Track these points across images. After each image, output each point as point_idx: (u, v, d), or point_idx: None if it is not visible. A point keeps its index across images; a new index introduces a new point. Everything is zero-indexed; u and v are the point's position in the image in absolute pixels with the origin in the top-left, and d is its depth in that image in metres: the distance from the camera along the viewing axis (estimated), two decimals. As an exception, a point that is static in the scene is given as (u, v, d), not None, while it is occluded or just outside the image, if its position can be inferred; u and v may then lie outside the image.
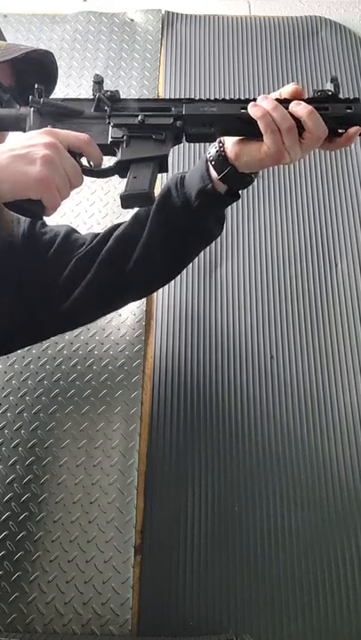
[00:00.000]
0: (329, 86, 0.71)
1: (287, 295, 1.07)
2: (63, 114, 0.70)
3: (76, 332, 1.03)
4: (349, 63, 1.35)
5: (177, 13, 1.42)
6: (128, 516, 0.89)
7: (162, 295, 1.07)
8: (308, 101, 0.68)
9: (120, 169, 0.70)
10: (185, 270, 1.08)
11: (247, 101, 0.70)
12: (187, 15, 1.42)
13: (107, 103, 0.70)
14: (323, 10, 1.48)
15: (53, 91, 0.79)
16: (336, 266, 1.10)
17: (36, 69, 0.75)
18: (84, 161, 0.68)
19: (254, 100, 0.70)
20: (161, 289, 1.07)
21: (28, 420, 0.95)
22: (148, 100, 0.72)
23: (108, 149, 0.70)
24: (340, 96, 0.70)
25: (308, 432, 0.95)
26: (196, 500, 0.90)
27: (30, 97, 0.69)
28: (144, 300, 1.06)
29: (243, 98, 0.71)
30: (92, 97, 0.72)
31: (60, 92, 1.29)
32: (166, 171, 0.72)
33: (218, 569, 0.85)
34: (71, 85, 1.31)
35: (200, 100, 0.72)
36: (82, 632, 0.81)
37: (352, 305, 1.06)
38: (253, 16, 1.44)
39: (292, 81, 1.32)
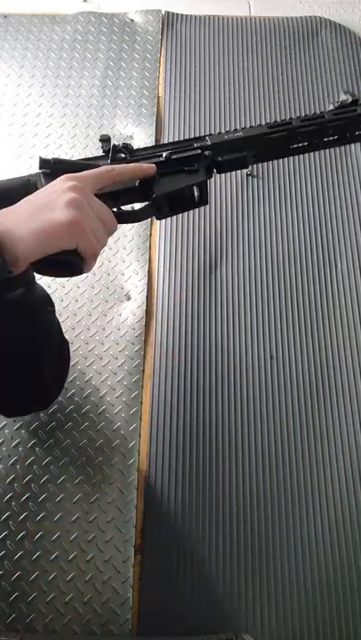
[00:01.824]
0: (344, 96, 0.73)
1: (287, 295, 1.07)
2: (77, 171, 0.61)
3: (77, 331, 1.03)
4: (349, 63, 1.35)
5: (177, 14, 1.42)
6: (128, 516, 0.89)
7: (162, 295, 1.07)
8: (329, 112, 0.71)
9: (157, 206, 0.65)
10: (185, 270, 1.09)
11: (274, 125, 0.70)
12: (187, 15, 1.42)
13: (123, 150, 0.64)
14: (323, 10, 1.48)
15: None
16: (336, 266, 1.11)
17: None
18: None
19: (280, 124, 0.69)
20: (161, 289, 1.07)
21: (27, 420, 0.96)
22: (165, 144, 0.68)
23: (136, 193, 0.63)
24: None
25: (308, 432, 0.95)
26: (197, 500, 0.90)
27: (39, 157, 0.62)
28: (144, 299, 1.06)
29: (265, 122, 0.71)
30: (103, 154, 0.66)
31: (60, 95, 1.30)
32: (206, 203, 0.67)
33: (218, 569, 0.86)
34: (72, 86, 1.31)
35: (220, 132, 0.70)
36: (82, 631, 0.82)
37: (352, 305, 1.07)
38: (254, 16, 1.44)
39: (292, 81, 1.32)
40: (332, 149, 1.24)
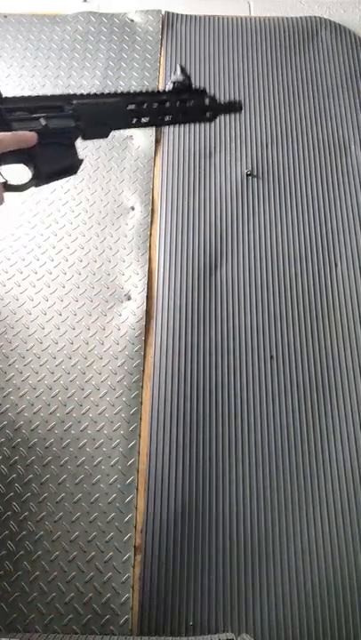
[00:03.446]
0: (180, 76, 0.80)
1: (287, 295, 1.07)
2: None
3: (77, 331, 1.03)
4: (349, 63, 1.35)
5: (177, 14, 1.42)
6: (128, 516, 0.89)
7: (162, 295, 1.07)
8: (170, 93, 0.78)
9: (39, 181, 0.70)
10: (185, 270, 1.09)
11: (125, 95, 0.76)
12: (187, 15, 1.42)
13: None
14: (323, 10, 1.48)
15: None
16: (336, 266, 1.11)
17: None
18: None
19: (138, 93, 0.76)
20: (161, 289, 1.07)
21: (28, 420, 0.96)
22: (34, 97, 0.71)
23: (16, 157, 0.67)
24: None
25: (308, 431, 0.95)
26: (196, 500, 0.90)
27: None
28: (144, 299, 1.06)
29: (123, 91, 0.77)
30: None
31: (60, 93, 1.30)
32: (76, 173, 0.74)
33: (218, 569, 0.86)
34: (72, 86, 1.31)
35: (87, 95, 0.74)
36: (82, 631, 0.82)
37: (352, 305, 1.07)
38: (254, 16, 1.44)
39: (292, 81, 1.32)
40: (332, 150, 1.24)
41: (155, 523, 0.89)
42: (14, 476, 0.91)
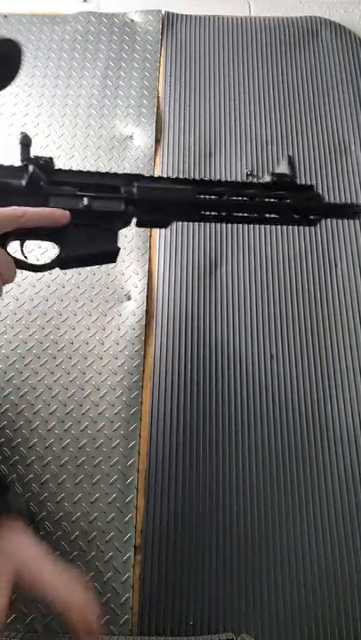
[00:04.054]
0: (285, 168, 0.67)
1: (287, 295, 1.07)
2: None
3: (77, 331, 1.03)
4: (349, 63, 1.35)
5: (177, 14, 1.42)
6: (128, 516, 0.89)
7: (162, 295, 1.07)
8: (264, 187, 0.65)
9: (63, 264, 0.63)
10: (185, 270, 1.10)
11: (198, 183, 0.65)
12: (187, 15, 1.42)
13: (41, 177, 0.58)
14: (323, 10, 1.48)
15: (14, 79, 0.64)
16: (336, 266, 1.11)
17: None
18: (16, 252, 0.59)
19: (217, 182, 0.65)
20: (161, 289, 1.07)
21: (28, 420, 0.96)
22: (91, 173, 0.62)
23: (45, 234, 0.60)
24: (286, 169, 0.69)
25: (308, 431, 0.95)
26: (196, 500, 0.90)
27: None
28: (144, 299, 1.06)
29: (197, 178, 0.66)
30: (20, 164, 0.61)
31: (60, 95, 1.30)
32: (114, 262, 0.65)
33: (218, 569, 0.86)
34: (72, 86, 1.31)
35: (150, 177, 0.66)
36: (82, 631, 0.82)
37: (352, 305, 1.07)
38: (254, 16, 1.44)
39: (292, 81, 1.32)
40: (332, 150, 1.24)
41: (155, 523, 0.89)
42: (14, 476, 0.91)
